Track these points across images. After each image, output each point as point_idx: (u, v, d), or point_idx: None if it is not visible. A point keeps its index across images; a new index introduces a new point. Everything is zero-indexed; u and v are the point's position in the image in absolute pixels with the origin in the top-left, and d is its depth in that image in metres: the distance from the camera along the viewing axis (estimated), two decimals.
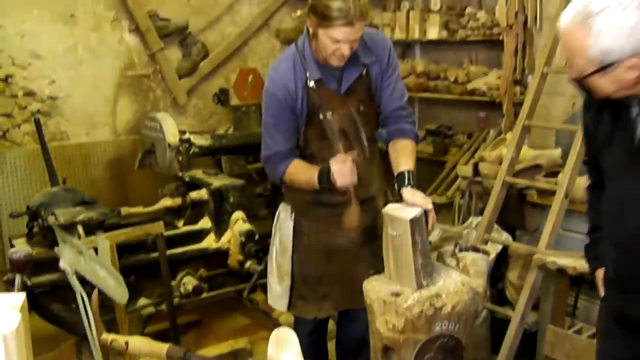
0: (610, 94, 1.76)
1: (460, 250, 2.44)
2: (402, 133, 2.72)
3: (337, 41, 2.47)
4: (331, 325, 3.22)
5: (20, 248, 1.50)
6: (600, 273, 2.15)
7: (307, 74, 2.64)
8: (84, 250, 1.62)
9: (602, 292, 2.14)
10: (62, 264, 1.65)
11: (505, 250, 3.78)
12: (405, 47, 5.49)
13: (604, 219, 2.02)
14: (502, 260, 3.82)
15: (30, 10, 4.76)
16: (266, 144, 2.75)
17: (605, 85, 1.74)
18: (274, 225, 3.00)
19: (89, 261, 1.58)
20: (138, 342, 2.12)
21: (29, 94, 4.81)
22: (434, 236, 4.03)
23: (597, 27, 1.62)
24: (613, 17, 1.60)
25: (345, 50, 2.50)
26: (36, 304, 3.35)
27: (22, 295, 1.25)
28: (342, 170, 2.49)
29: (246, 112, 5.13)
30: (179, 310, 3.96)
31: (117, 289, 1.63)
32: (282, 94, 2.64)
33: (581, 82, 1.76)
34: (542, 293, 3.43)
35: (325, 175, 2.56)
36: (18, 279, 1.47)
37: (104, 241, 1.65)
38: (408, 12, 4.99)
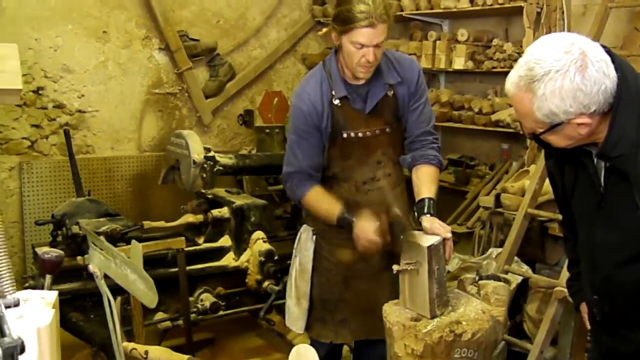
0: (566, 147, 1.76)
1: (482, 279, 2.41)
2: (427, 159, 2.68)
3: (361, 46, 2.48)
4: (345, 351, 3.18)
5: (51, 249, 1.52)
6: (584, 307, 2.14)
7: (333, 92, 2.64)
8: (116, 252, 1.64)
9: (588, 326, 2.14)
10: (92, 267, 1.67)
11: (524, 283, 3.74)
12: (431, 76, 5.52)
13: (581, 261, 2.03)
14: (521, 294, 3.79)
15: (65, 25, 4.87)
16: (289, 160, 2.72)
17: (558, 141, 1.74)
18: (294, 246, 2.98)
19: (119, 264, 1.60)
20: (158, 352, 2.14)
21: (59, 106, 4.90)
22: (453, 266, 4.01)
23: (540, 92, 1.61)
24: (555, 82, 1.59)
25: (370, 56, 2.49)
26: None
27: (55, 293, 1.27)
28: (367, 235, 2.45)
29: (270, 133, 5.17)
30: (195, 327, 3.95)
31: (147, 293, 1.65)
32: (307, 110, 2.63)
33: (536, 138, 1.76)
34: (562, 327, 3.39)
35: (346, 224, 2.54)
36: (48, 280, 1.49)
37: (137, 245, 1.67)
38: (435, 42, 5.02)
